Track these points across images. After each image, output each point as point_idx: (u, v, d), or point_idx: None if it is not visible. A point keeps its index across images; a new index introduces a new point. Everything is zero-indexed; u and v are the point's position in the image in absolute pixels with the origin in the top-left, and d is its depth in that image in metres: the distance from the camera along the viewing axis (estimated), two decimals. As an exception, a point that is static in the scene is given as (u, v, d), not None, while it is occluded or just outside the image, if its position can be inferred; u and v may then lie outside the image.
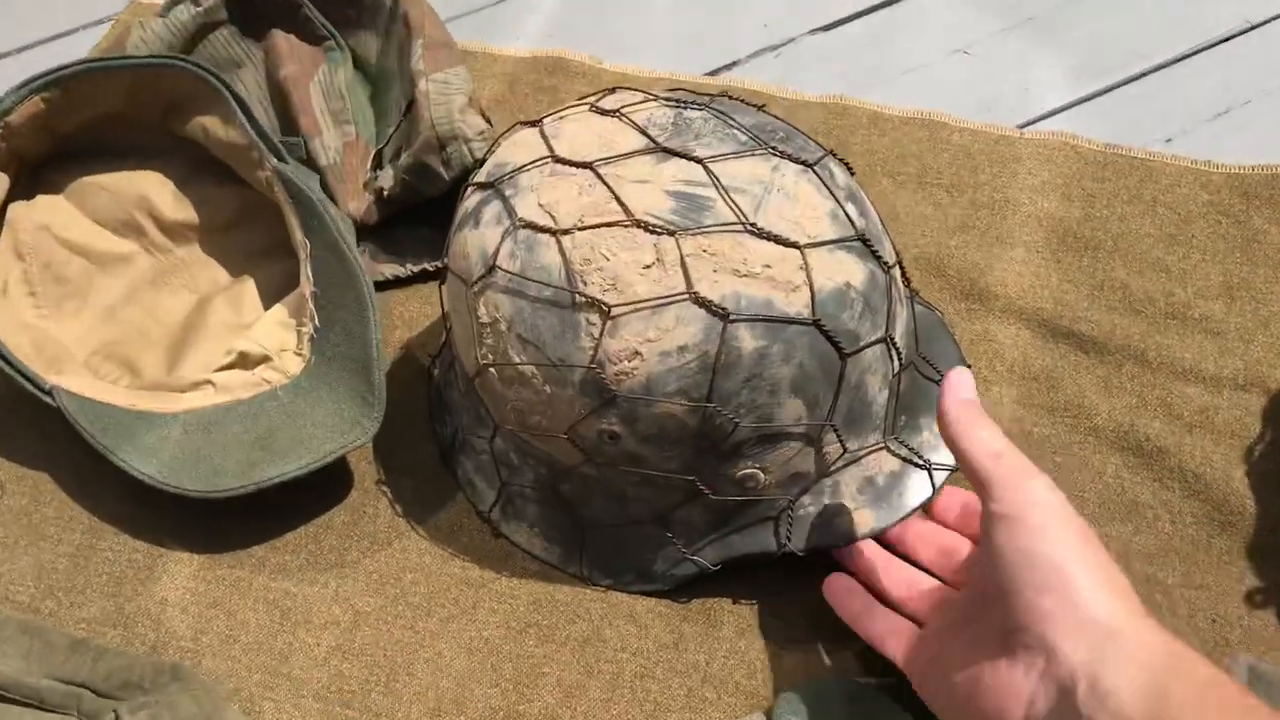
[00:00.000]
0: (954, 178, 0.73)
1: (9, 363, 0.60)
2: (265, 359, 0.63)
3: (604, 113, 0.55)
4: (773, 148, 0.53)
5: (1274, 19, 0.83)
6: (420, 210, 0.70)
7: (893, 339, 0.54)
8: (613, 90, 0.58)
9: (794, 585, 0.56)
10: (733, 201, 0.50)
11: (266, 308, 0.67)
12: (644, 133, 0.53)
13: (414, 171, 0.68)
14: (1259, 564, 0.57)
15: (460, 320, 0.56)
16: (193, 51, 0.73)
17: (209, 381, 0.62)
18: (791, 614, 0.57)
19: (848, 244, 0.52)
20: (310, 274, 0.63)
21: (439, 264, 0.69)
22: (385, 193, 0.69)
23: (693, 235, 0.49)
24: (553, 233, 0.51)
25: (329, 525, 0.61)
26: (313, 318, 0.62)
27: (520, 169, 0.54)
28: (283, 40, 0.74)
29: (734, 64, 0.84)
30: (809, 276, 0.50)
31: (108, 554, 0.60)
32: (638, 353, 0.49)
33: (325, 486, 0.61)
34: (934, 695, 0.48)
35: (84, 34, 0.89)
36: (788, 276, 0.50)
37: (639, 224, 0.50)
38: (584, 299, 0.50)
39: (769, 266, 0.50)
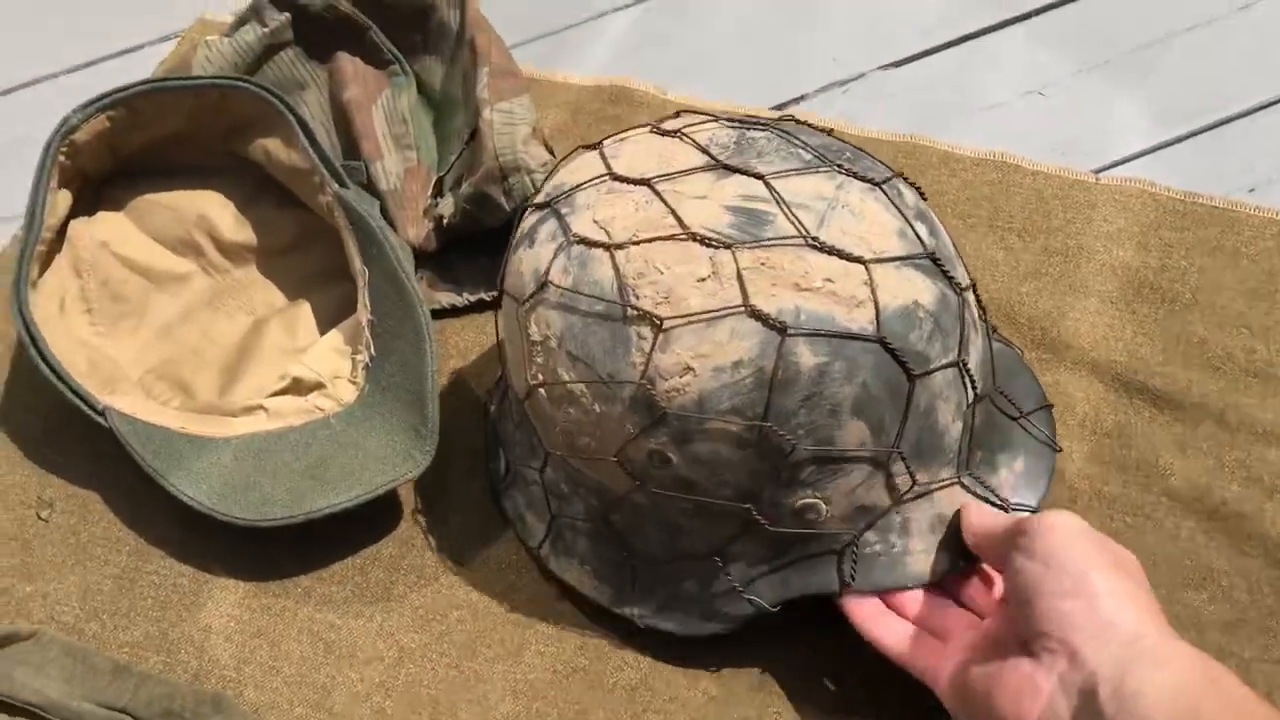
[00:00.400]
0: (1026, 222, 0.71)
1: (64, 381, 0.60)
2: (319, 385, 0.62)
3: (665, 133, 0.54)
4: (838, 165, 0.51)
5: (1364, 67, 0.80)
6: (479, 239, 0.69)
7: (965, 364, 0.51)
8: (676, 114, 0.57)
9: (849, 643, 0.54)
10: (794, 216, 0.48)
11: (322, 333, 0.66)
12: (705, 151, 0.52)
13: (475, 201, 0.67)
14: (1343, 640, 0.54)
15: (512, 341, 0.55)
16: (257, 72, 0.73)
17: (261, 406, 0.62)
18: (845, 674, 0.55)
19: (916, 261, 0.49)
20: (368, 301, 0.62)
21: (496, 294, 0.68)
22: (445, 220, 0.69)
23: (750, 248, 0.48)
24: (606, 247, 0.49)
25: (376, 557, 0.60)
26: (368, 346, 0.61)
27: (577, 188, 0.53)
28: (348, 63, 0.73)
29: (801, 98, 0.83)
30: (874, 293, 0.48)
31: (154, 577, 0.60)
32: (690, 368, 0.48)
33: (374, 517, 0.60)
34: (953, 697, 0.48)
35: (150, 50, 0.89)
36: (851, 292, 0.48)
37: (694, 237, 0.48)
38: (635, 312, 0.48)
39: (831, 281, 0.47)
